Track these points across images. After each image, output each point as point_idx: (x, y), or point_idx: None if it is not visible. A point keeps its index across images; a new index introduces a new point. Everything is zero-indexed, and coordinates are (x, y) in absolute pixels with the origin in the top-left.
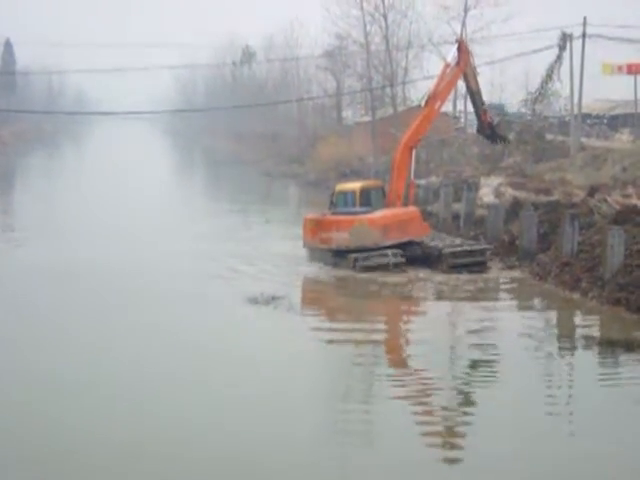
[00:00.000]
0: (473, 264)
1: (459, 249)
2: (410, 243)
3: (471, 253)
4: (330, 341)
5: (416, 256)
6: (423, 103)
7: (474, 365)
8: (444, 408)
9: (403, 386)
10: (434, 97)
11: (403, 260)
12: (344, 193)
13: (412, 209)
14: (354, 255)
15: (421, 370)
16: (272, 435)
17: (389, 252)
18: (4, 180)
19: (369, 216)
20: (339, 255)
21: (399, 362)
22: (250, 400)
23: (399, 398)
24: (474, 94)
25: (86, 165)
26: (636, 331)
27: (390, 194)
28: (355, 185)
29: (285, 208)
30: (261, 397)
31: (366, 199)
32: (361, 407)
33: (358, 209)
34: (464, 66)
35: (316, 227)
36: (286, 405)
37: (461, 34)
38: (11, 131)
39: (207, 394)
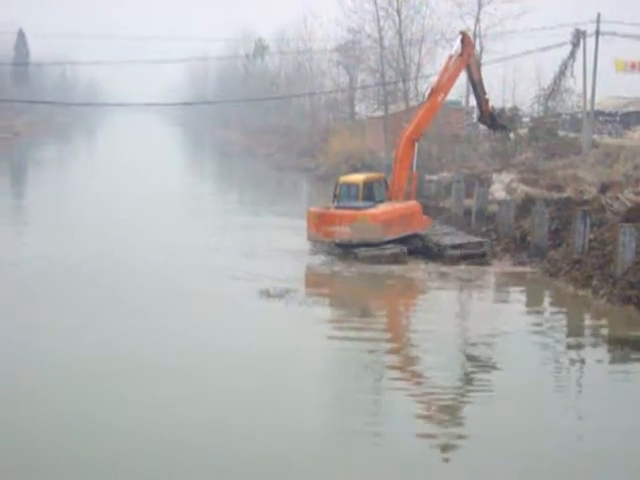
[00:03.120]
0: (473, 256)
1: (458, 242)
2: (411, 236)
3: (470, 246)
4: (342, 337)
5: (417, 248)
6: (426, 95)
7: (481, 363)
8: (452, 407)
9: (412, 385)
10: (437, 89)
11: (405, 253)
12: (347, 186)
13: (413, 203)
14: (356, 250)
15: (430, 368)
16: (278, 433)
17: (393, 246)
18: (17, 170)
19: (371, 211)
20: (342, 248)
21: (407, 360)
22: (260, 399)
23: (407, 397)
24: (476, 85)
25: (98, 156)
26: None
27: (392, 187)
28: (358, 178)
29: (296, 202)
30: (273, 397)
31: (369, 192)
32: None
33: (361, 204)
34: (467, 57)
35: (319, 220)
36: (295, 404)
37: (474, 30)
38: (24, 122)
39: (218, 390)
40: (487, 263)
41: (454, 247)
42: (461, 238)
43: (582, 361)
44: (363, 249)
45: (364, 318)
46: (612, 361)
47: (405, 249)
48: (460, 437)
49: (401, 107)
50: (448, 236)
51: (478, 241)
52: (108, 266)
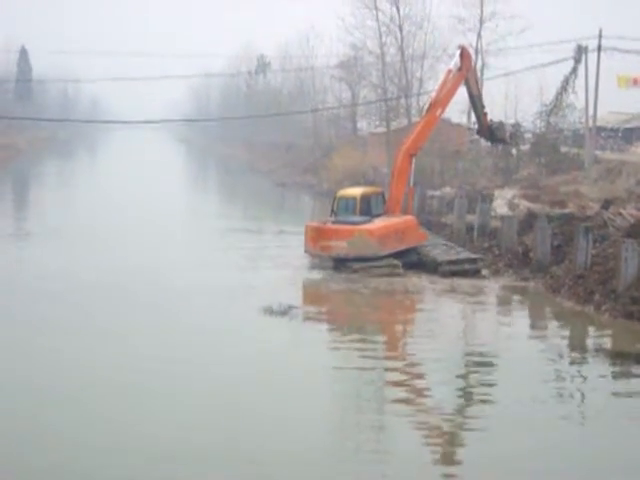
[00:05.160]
0: (467, 271)
1: (453, 257)
2: (408, 249)
3: (464, 261)
4: (344, 355)
5: (413, 262)
6: (424, 110)
7: (484, 381)
8: (454, 431)
9: (414, 408)
10: (435, 104)
11: (399, 267)
12: (345, 199)
13: (409, 218)
14: (350, 264)
15: (432, 387)
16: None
17: (388, 261)
18: (18, 187)
19: (368, 227)
20: (339, 262)
21: (411, 382)
22: (264, 416)
23: (410, 423)
24: (475, 98)
25: (100, 173)
26: None
27: (390, 201)
28: (356, 192)
29: (298, 218)
30: (276, 415)
31: (366, 206)
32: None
33: (357, 218)
34: (466, 72)
35: (317, 235)
36: (298, 421)
37: (476, 46)
38: (27, 138)
39: (218, 409)
40: (482, 277)
41: (449, 263)
42: (457, 253)
43: (584, 377)
44: (358, 263)
45: (366, 336)
46: (615, 376)
47: (399, 263)
48: (461, 463)
49: (403, 123)
50: (443, 251)
51: (473, 257)
52: (112, 283)
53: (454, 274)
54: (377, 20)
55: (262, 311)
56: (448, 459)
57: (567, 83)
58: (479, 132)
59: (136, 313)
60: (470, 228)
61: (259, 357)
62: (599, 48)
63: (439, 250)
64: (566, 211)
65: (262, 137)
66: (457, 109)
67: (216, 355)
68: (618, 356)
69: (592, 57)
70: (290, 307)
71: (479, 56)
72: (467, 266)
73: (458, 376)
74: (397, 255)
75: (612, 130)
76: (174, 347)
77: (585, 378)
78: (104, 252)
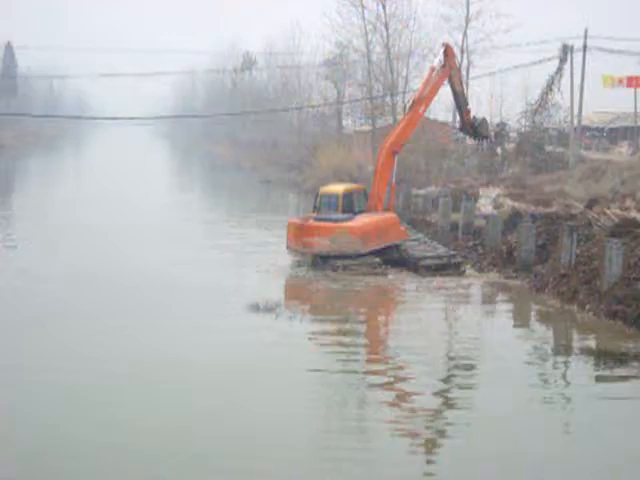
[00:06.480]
0: (447, 268)
1: (431, 254)
2: (388, 246)
3: (443, 258)
4: (330, 353)
5: (393, 259)
6: (407, 107)
7: (465, 378)
8: (437, 429)
9: (399, 408)
10: (419, 101)
11: (380, 264)
12: (327, 196)
13: (391, 215)
14: (332, 262)
15: (417, 387)
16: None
17: (368, 258)
18: (3, 182)
19: (350, 224)
20: (320, 259)
21: (398, 380)
22: (246, 420)
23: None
24: (458, 95)
25: (85, 169)
26: (631, 343)
27: (372, 198)
28: (338, 188)
29: (283, 215)
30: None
31: (348, 202)
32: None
33: (339, 216)
34: (449, 69)
35: (299, 231)
36: (283, 423)
37: (462, 45)
38: (12, 134)
39: (205, 408)
40: (464, 274)
41: (429, 259)
42: (434, 250)
43: (567, 377)
44: (339, 260)
45: (353, 333)
46: (597, 377)
47: (380, 261)
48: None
49: (389, 121)
50: (422, 247)
51: (451, 254)
52: (97, 281)
53: (435, 270)
54: (363, 18)
55: (248, 308)
56: (427, 458)
57: (552, 82)
58: (462, 128)
59: (119, 311)
60: (455, 227)
61: (245, 354)
62: (584, 48)
63: (419, 247)
64: (550, 210)
65: (247, 134)
66: (443, 108)
67: (202, 353)
68: (601, 356)
69: (577, 57)
70: (276, 305)
71: (465, 55)
72: (447, 262)
73: (440, 377)
74: (378, 252)
75: (597, 130)
76: (158, 346)
77: (568, 379)
78: (83, 251)
